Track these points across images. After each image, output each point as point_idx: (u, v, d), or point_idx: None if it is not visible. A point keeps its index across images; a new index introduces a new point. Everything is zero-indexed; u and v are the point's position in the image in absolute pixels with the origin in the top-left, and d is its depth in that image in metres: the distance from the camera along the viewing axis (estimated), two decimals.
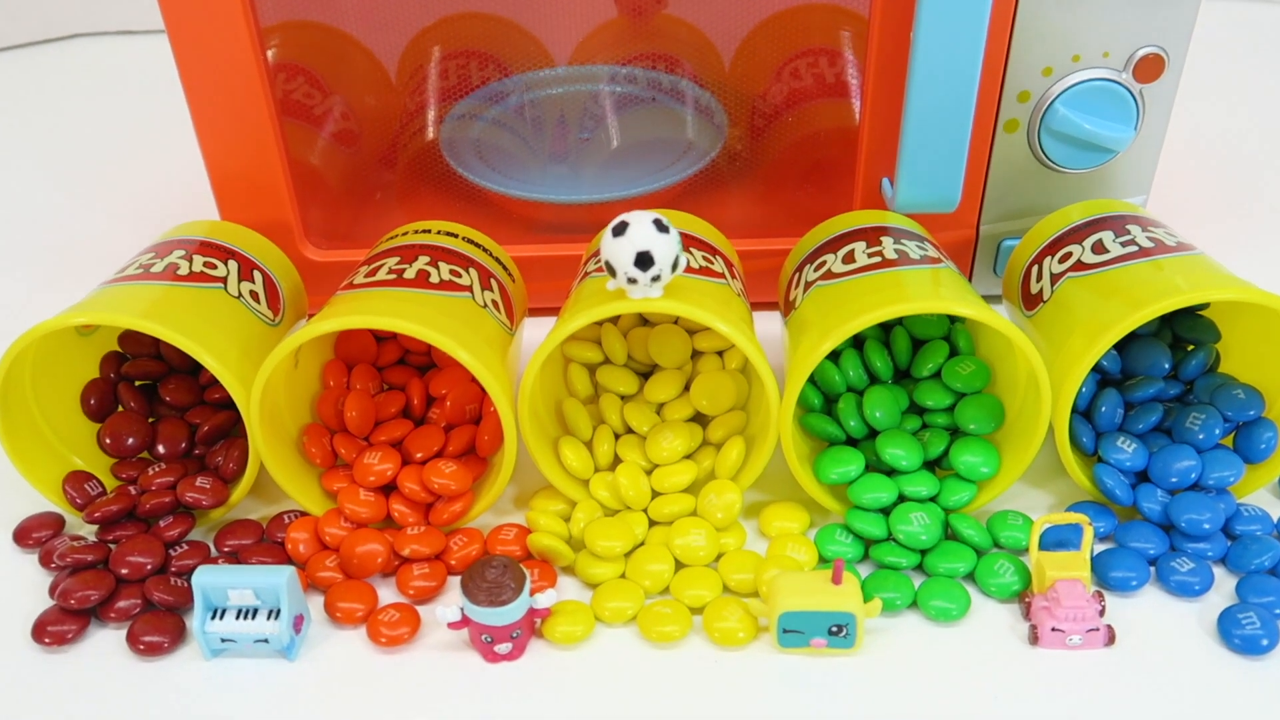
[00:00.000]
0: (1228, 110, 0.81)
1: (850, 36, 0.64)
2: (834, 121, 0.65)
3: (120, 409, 0.54)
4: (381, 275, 0.50)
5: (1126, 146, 0.57)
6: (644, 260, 0.44)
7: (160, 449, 0.52)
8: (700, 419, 0.53)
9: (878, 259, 0.50)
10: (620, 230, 0.44)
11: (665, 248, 0.44)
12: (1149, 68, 0.55)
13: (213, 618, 0.44)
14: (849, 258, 0.51)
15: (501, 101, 0.69)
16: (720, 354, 0.54)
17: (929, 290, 0.47)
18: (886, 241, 0.52)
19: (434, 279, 0.50)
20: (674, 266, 0.45)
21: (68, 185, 0.81)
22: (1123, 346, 0.53)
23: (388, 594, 0.48)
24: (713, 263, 0.52)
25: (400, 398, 0.53)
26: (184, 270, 0.51)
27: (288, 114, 0.60)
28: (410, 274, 0.50)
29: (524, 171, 0.67)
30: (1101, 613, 0.44)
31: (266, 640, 0.44)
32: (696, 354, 0.54)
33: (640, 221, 0.44)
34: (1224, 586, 0.47)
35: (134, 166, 0.83)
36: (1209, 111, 0.80)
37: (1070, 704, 0.42)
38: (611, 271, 0.45)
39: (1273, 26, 0.93)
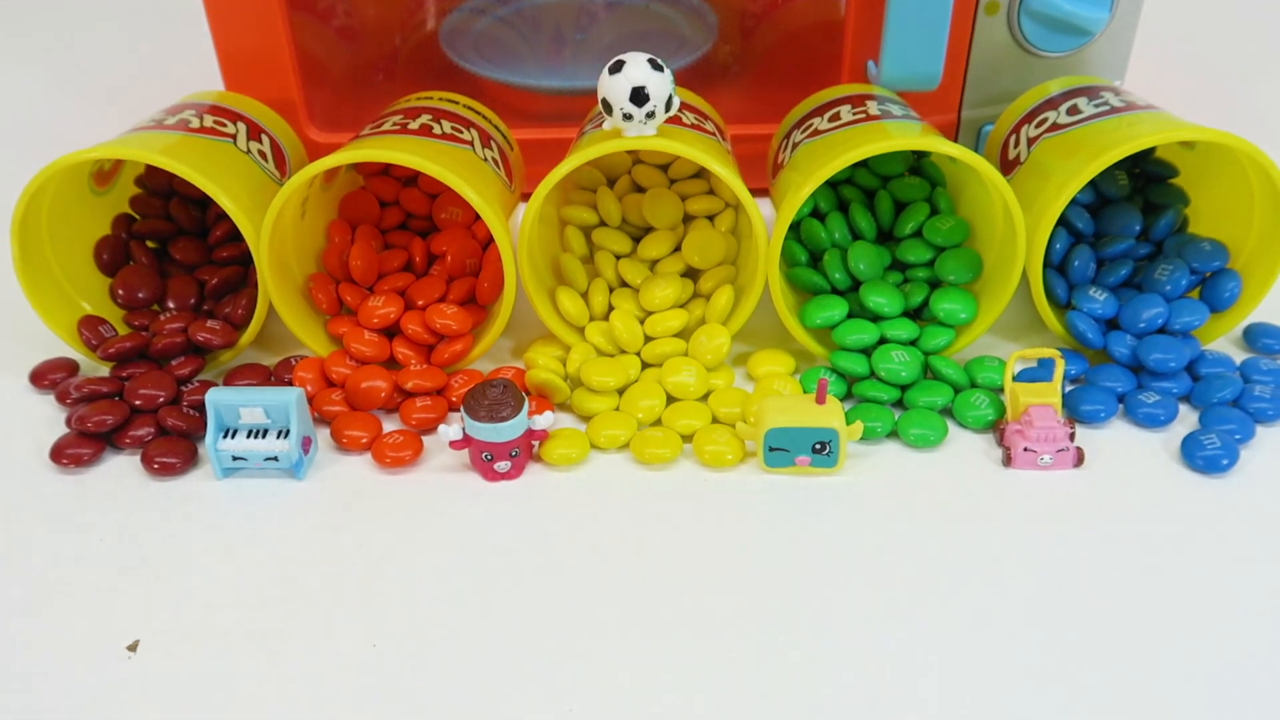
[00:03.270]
0: None
1: None
2: (820, 15, 0.67)
3: (131, 264, 0.56)
4: (386, 127, 0.52)
5: (1103, 28, 0.59)
6: (639, 96, 0.46)
7: (170, 303, 0.54)
8: (691, 275, 0.55)
9: (862, 115, 0.52)
10: (617, 68, 0.46)
11: (660, 84, 0.46)
12: None
13: (225, 436, 0.46)
14: (834, 117, 0.53)
15: (502, 4, 0.71)
16: (711, 218, 0.56)
17: (911, 132, 0.49)
18: (871, 104, 0.54)
19: (436, 131, 0.52)
20: (668, 106, 0.47)
21: (70, 83, 0.83)
22: (1096, 212, 0.56)
23: (391, 426, 0.50)
24: (704, 124, 0.54)
25: (403, 255, 0.55)
26: (195, 124, 0.53)
27: (293, 7, 0.62)
28: (414, 126, 0.52)
29: (520, 65, 0.69)
30: (1072, 436, 0.46)
31: (276, 459, 0.46)
32: (688, 218, 0.57)
33: (636, 60, 0.46)
34: (1186, 420, 0.49)
35: (140, 72, 0.84)
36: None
37: (1042, 519, 0.44)
38: (608, 109, 0.47)
39: None
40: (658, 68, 0.46)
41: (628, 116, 0.47)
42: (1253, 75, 0.78)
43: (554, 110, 0.68)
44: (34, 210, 0.50)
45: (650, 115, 0.47)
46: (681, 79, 0.68)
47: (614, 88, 0.46)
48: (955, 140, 0.65)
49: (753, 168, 0.63)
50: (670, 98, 0.47)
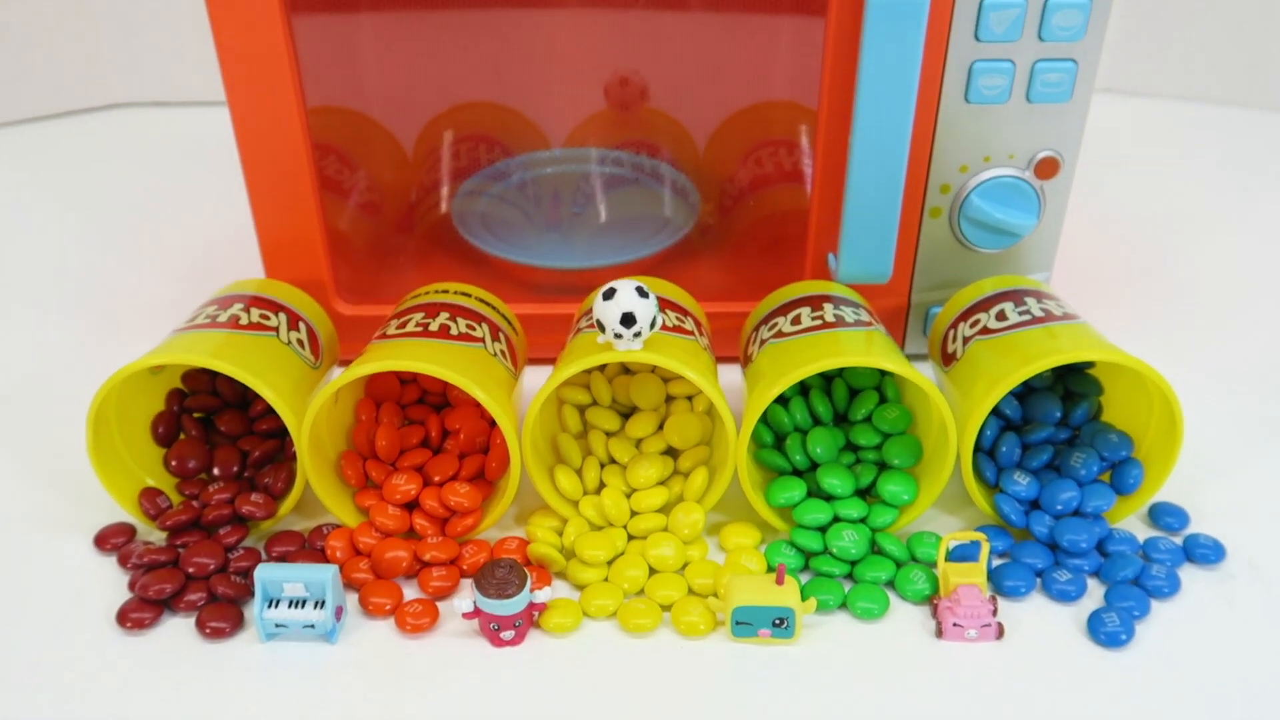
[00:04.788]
0: (1115, 200, 0.99)
1: (804, 130, 0.75)
2: (790, 203, 0.77)
3: (183, 437, 0.63)
4: (410, 328, 0.60)
5: (1031, 231, 0.68)
6: (628, 319, 0.55)
7: (216, 471, 0.62)
8: (672, 452, 0.63)
9: (819, 322, 0.61)
10: (609, 295, 0.55)
11: (645, 310, 0.55)
12: (1047, 167, 0.67)
13: (269, 606, 0.54)
14: (796, 320, 0.62)
15: (505, 179, 0.80)
16: (689, 399, 0.65)
17: (861, 348, 0.58)
18: (828, 307, 0.62)
19: (453, 331, 0.60)
20: (652, 325, 0.55)
21: (106, 243, 0.91)
22: (1024, 398, 0.64)
23: (411, 592, 0.57)
24: (684, 322, 0.63)
25: (421, 431, 0.63)
26: (244, 320, 0.61)
27: (322, 187, 0.71)
28: (434, 327, 0.60)
29: (524, 240, 0.78)
30: (994, 612, 0.54)
31: (313, 626, 0.54)
32: (670, 398, 0.65)
33: (625, 288, 0.55)
34: (1095, 594, 0.57)
35: (168, 226, 0.93)
36: (1099, 202, 0.96)
37: (968, 686, 0.52)
38: (601, 328, 0.55)
39: (1161, 120, 1.14)
40: (644, 295, 0.55)
41: (618, 335, 0.55)
42: (1157, 263, 0.90)
43: (553, 283, 0.77)
44: (105, 405, 0.58)
45: (637, 335, 0.55)
46: (665, 256, 0.77)
47: (606, 312, 0.55)
48: (906, 319, 0.73)
49: (726, 339, 0.72)
50: (654, 318, 0.55)
